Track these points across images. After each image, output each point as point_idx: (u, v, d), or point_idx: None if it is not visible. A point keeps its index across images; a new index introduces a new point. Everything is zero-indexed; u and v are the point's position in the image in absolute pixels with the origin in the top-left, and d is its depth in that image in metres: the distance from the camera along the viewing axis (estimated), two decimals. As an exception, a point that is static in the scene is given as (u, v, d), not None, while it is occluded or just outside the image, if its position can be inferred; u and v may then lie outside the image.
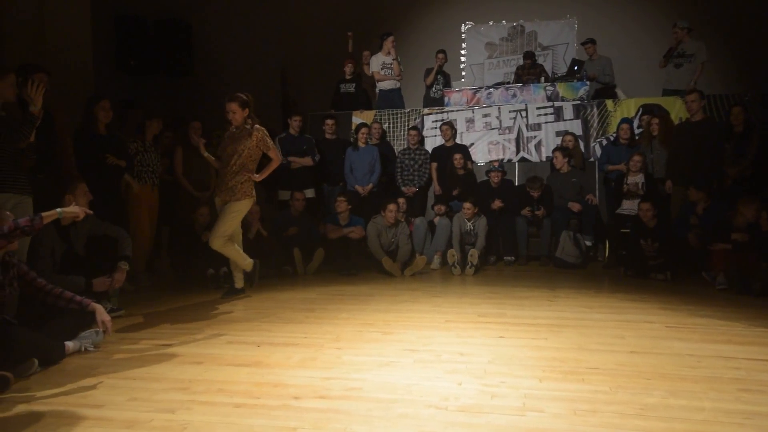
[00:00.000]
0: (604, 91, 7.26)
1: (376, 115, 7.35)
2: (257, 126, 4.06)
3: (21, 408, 2.14)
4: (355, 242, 5.56)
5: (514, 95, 7.31)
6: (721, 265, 4.55)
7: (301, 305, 4.01)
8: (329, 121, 6.51)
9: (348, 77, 7.42)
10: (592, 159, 6.78)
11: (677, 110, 6.49)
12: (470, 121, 7.28)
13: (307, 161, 6.16)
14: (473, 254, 5.43)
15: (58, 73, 4.71)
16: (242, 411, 2.09)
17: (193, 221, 4.99)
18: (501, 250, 6.12)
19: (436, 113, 7.35)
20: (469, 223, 5.77)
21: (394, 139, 7.25)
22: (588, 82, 7.15)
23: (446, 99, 7.48)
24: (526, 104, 7.18)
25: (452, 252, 5.52)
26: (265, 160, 4.18)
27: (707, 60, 6.63)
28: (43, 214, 2.66)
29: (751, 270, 4.37)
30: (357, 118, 7.27)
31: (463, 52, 9.11)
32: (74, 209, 2.85)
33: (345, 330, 3.28)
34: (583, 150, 6.75)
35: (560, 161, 6.13)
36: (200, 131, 4.93)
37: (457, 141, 6.80)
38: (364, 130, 6.35)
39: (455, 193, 6.20)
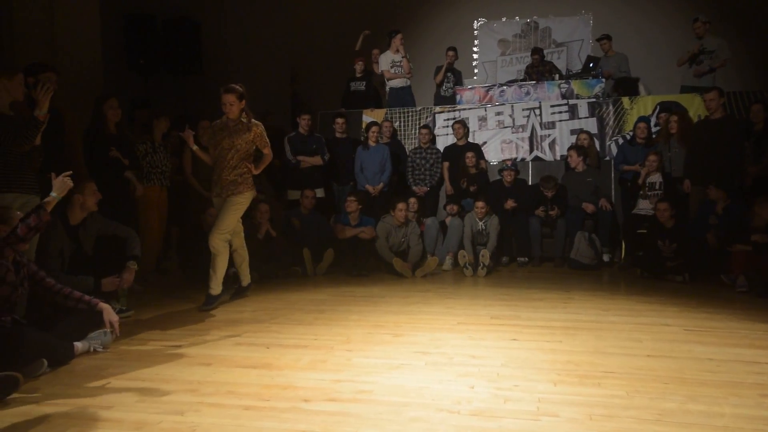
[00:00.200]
0: (627, 85, 7.06)
1: (386, 113, 7.31)
2: (255, 121, 3.98)
3: (30, 409, 2.15)
4: (366, 243, 5.52)
5: (528, 93, 7.23)
6: (741, 267, 4.46)
7: (311, 306, 3.99)
8: (339, 120, 6.48)
9: (358, 75, 7.39)
10: (607, 158, 6.68)
11: (696, 108, 6.37)
12: (483, 119, 7.21)
13: (317, 160, 6.14)
14: (484, 254, 5.37)
15: (68, 73, 4.73)
16: (251, 413, 2.08)
17: (203, 221, 4.99)
18: (514, 251, 6.05)
19: (448, 111, 7.30)
20: (480, 223, 5.71)
21: (405, 138, 7.21)
22: (603, 80, 7.04)
23: (458, 97, 7.42)
24: (539, 102, 7.09)
25: (464, 253, 5.46)
26: (256, 152, 4.08)
27: (730, 57, 6.49)
28: (42, 203, 2.68)
29: (773, 272, 4.27)
30: (367, 117, 7.24)
31: (475, 49, 9.03)
32: (61, 185, 2.78)
33: (355, 332, 3.25)
34: (598, 149, 6.65)
35: (575, 160, 6.03)
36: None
37: (470, 140, 6.74)
38: (374, 128, 6.31)
39: (469, 188, 6.12)
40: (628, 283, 5.00)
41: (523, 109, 7.10)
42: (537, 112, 7.06)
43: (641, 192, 5.72)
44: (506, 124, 7.14)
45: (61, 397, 2.27)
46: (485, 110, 7.21)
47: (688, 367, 2.56)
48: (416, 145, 6.71)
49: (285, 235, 5.48)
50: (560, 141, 6.94)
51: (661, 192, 5.54)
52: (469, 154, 6.24)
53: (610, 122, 6.85)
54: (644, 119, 6.26)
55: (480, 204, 5.66)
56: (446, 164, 6.44)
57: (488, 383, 2.37)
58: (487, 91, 7.38)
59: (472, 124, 7.13)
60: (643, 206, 5.66)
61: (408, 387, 2.33)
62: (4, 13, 4.65)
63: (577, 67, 8.02)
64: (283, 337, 3.15)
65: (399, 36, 7.27)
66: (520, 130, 7.09)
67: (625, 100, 6.86)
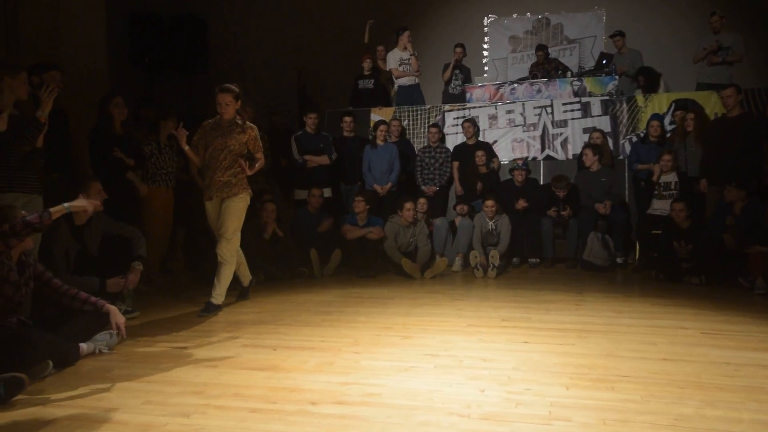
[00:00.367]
0: (650, 77, 6.90)
1: (395, 111, 7.26)
2: (250, 123, 3.88)
3: (35, 410, 2.14)
4: (374, 243, 5.48)
5: (539, 91, 7.14)
6: (760, 269, 4.38)
7: (318, 308, 3.97)
8: (347, 119, 6.45)
9: (366, 73, 7.34)
10: (621, 157, 6.58)
11: (712, 105, 6.25)
12: (493, 117, 7.13)
13: (324, 160, 6.11)
14: (494, 255, 5.31)
15: (73, 71, 4.74)
16: (258, 416, 2.06)
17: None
18: (525, 251, 5.97)
19: (458, 110, 7.23)
20: (490, 222, 5.64)
21: (413, 137, 7.15)
22: (617, 77, 6.94)
23: (468, 95, 7.35)
24: (551, 100, 7.00)
25: (474, 254, 5.40)
26: (249, 155, 3.96)
27: (745, 52, 6.38)
28: (51, 209, 2.66)
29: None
30: (375, 115, 7.18)
31: (485, 46, 8.95)
32: (82, 203, 2.79)
33: (363, 334, 3.22)
34: (611, 148, 6.55)
35: (591, 159, 5.92)
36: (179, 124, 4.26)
37: (480, 138, 6.67)
38: (382, 127, 6.27)
39: (479, 188, 6.06)
40: (643, 285, 4.93)
41: (534, 107, 7.02)
42: (549, 110, 6.97)
43: (656, 192, 5.63)
44: (517, 122, 7.06)
45: (67, 398, 2.26)
46: (496, 108, 7.14)
47: (705, 371, 2.51)
48: (425, 144, 6.66)
49: (292, 236, 5.46)
50: (572, 140, 6.84)
51: (677, 192, 5.45)
52: (479, 153, 6.18)
53: (624, 120, 6.74)
54: (657, 117, 6.16)
55: (489, 203, 5.60)
56: (456, 164, 6.38)
57: (499, 387, 2.34)
58: (498, 88, 7.31)
59: (483, 123, 7.06)
60: (658, 206, 5.57)
61: (417, 390, 2.30)
62: (9, 12, 4.66)
63: (590, 64, 7.91)
64: (290, 339, 3.13)
65: (406, 33, 7.21)
66: (532, 128, 7.00)
67: (639, 97, 6.75)
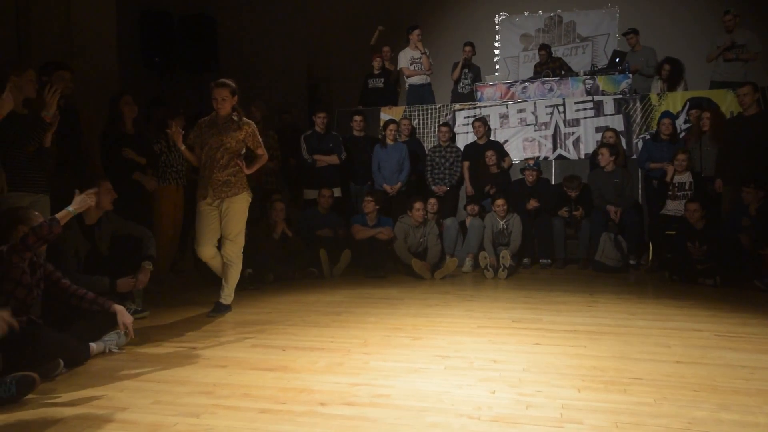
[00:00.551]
0: (675, 69, 6.70)
1: (405, 110, 7.23)
2: (247, 119, 3.74)
3: (46, 409, 2.15)
4: (384, 243, 5.47)
5: (551, 89, 7.07)
6: (776, 270, 4.29)
7: (328, 308, 3.96)
8: (357, 118, 6.44)
9: (376, 72, 7.32)
10: (634, 156, 6.49)
11: (728, 104, 6.15)
12: (504, 116, 7.08)
13: (333, 159, 6.09)
14: (504, 255, 5.26)
15: (84, 71, 4.74)
16: (267, 416, 2.06)
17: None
18: (536, 252, 5.92)
19: (469, 109, 7.19)
20: (501, 222, 5.60)
21: (424, 136, 7.12)
22: (630, 75, 6.85)
23: (479, 94, 7.30)
24: (563, 98, 6.93)
25: (484, 254, 5.36)
26: (248, 154, 3.87)
27: (760, 51, 6.28)
28: (58, 216, 2.64)
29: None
30: (385, 115, 7.16)
31: (496, 44, 8.90)
32: (82, 200, 2.73)
33: (373, 334, 3.21)
34: (624, 147, 6.47)
35: (606, 159, 5.81)
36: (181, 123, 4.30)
37: (491, 138, 6.63)
38: (392, 126, 6.25)
39: (488, 189, 6.01)
40: (656, 286, 4.87)
41: (546, 106, 6.95)
42: (561, 109, 6.90)
43: (670, 192, 5.54)
44: (529, 121, 6.99)
45: (77, 398, 2.27)
46: (507, 107, 7.09)
47: (719, 374, 2.47)
48: (435, 144, 6.63)
49: (301, 235, 5.45)
50: (585, 139, 6.77)
51: (691, 192, 5.37)
52: (489, 153, 6.13)
53: (638, 119, 6.65)
54: (669, 114, 6.07)
55: (500, 202, 5.55)
56: (466, 163, 6.34)
57: (510, 388, 2.32)
58: (509, 87, 7.25)
59: (494, 122, 7.00)
60: (672, 207, 5.49)
61: (427, 391, 2.29)
62: (21, 12, 4.69)
63: (603, 62, 7.82)
64: (299, 340, 3.12)
65: (416, 31, 7.17)
66: (543, 127, 6.94)
67: (653, 96, 6.66)
